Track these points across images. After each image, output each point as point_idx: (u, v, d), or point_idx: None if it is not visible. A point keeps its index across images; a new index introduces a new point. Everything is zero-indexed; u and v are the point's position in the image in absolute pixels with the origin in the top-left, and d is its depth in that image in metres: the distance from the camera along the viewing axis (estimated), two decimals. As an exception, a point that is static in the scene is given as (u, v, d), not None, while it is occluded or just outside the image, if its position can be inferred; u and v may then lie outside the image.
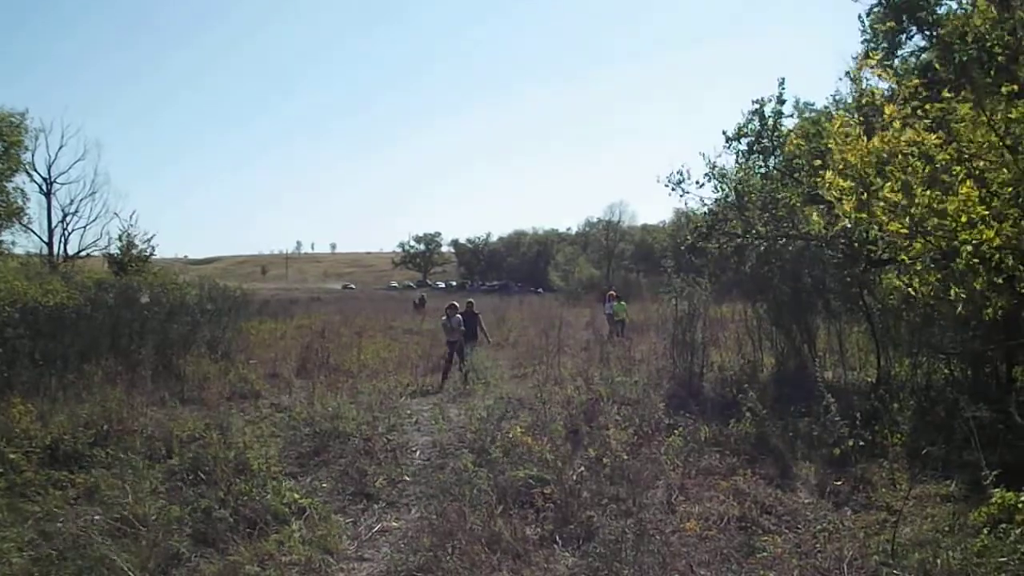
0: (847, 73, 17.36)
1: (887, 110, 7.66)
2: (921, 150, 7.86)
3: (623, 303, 25.45)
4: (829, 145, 9.50)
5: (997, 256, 7.15)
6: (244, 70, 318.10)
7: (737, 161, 14.11)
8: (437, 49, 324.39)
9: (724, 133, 13.96)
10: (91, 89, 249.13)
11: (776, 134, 13.69)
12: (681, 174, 14.04)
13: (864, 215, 8.99)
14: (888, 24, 14.69)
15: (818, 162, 9.55)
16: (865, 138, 7.96)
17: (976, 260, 7.50)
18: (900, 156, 7.63)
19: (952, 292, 7.74)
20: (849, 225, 9.89)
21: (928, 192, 7.47)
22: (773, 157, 13.77)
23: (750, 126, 13.79)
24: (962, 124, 7.83)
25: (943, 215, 7.50)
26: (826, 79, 78.53)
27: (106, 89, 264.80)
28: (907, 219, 7.71)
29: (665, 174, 14.06)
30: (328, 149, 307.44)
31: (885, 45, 15.06)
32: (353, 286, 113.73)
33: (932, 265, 8.16)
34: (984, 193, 7.36)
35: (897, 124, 7.87)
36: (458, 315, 17.14)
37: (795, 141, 12.34)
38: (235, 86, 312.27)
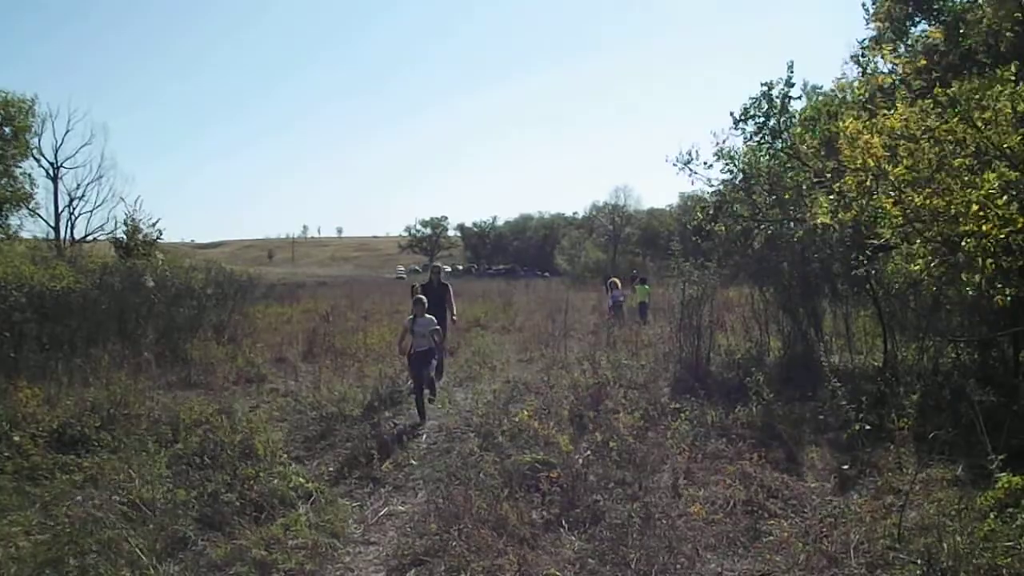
0: (852, 56, 17.31)
1: (898, 94, 7.64)
2: (930, 132, 7.83)
3: (647, 286, 24.78)
4: (840, 146, 9.48)
5: (1009, 240, 7.13)
6: (250, 53, 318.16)
7: (745, 143, 14.06)
8: (443, 29, 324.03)
9: (732, 115, 13.90)
10: (94, 73, 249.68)
11: (784, 117, 13.60)
12: (690, 154, 14.06)
13: (872, 199, 8.95)
14: (894, 8, 14.64)
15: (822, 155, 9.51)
16: (872, 128, 7.93)
17: (978, 252, 7.47)
18: (909, 139, 7.60)
19: (962, 276, 7.72)
20: (858, 212, 9.85)
21: (928, 188, 7.45)
22: (780, 140, 13.69)
23: (758, 108, 13.69)
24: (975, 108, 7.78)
25: (942, 211, 7.49)
26: (833, 59, 77.73)
27: (109, 73, 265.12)
28: (902, 216, 7.69)
29: (674, 154, 14.09)
30: (334, 132, 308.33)
31: (891, 29, 14.99)
32: (417, 269, 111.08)
33: (936, 254, 8.14)
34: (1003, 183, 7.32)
35: (901, 107, 7.83)
36: (428, 315, 11.41)
37: (808, 143, 12.31)
38: (241, 69, 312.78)
